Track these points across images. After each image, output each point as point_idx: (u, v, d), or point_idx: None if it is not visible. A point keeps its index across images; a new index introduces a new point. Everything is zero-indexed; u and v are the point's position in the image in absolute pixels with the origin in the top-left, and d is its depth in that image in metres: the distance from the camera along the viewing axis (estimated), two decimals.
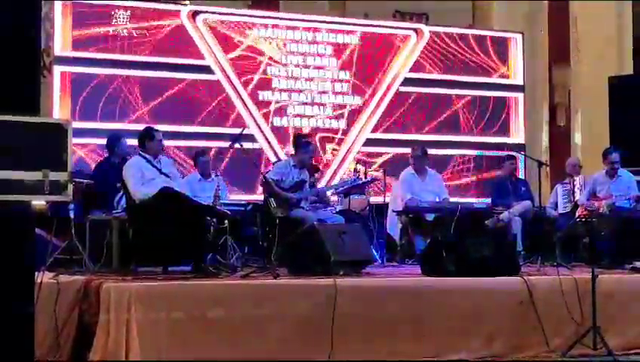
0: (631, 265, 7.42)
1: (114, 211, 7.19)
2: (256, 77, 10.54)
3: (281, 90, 10.66)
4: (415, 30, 11.43)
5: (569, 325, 6.11)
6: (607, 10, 12.65)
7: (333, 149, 10.79)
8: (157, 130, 7.26)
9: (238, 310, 5.41)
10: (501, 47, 11.80)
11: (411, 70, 11.28)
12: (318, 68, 10.86)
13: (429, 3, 12.18)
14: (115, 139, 8.16)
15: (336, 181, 10.25)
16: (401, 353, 5.68)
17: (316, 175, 9.22)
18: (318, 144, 10.31)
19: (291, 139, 9.29)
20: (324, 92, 10.86)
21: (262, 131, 10.49)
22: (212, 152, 9.62)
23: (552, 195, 9.70)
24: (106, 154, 8.40)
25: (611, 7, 12.71)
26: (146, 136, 7.09)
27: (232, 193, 9.26)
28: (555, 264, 6.99)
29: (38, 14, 4.12)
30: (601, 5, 12.55)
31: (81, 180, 7.53)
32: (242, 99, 10.45)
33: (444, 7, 12.16)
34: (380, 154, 10.96)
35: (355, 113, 10.99)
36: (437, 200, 8.84)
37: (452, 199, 9.40)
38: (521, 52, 11.88)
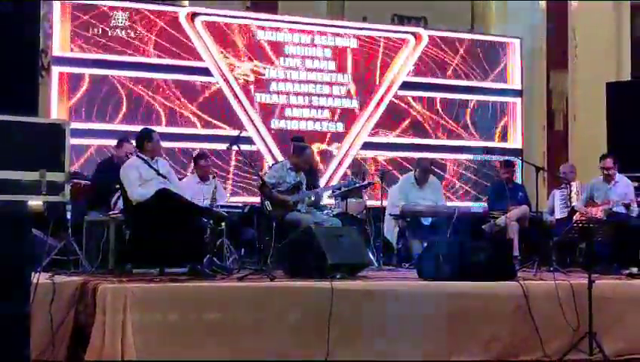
0: (627, 271, 7.42)
1: (111, 212, 7.17)
2: (255, 79, 10.54)
3: (279, 93, 10.66)
4: (413, 34, 11.44)
5: (565, 330, 6.10)
6: (605, 16, 12.66)
7: (328, 151, 10.82)
8: (154, 131, 7.24)
9: (234, 312, 5.40)
10: (499, 52, 11.83)
11: (409, 74, 11.30)
12: (317, 71, 10.87)
13: (428, 6, 12.19)
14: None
15: (333, 184, 10.26)
16: (397, 356, 5.67)
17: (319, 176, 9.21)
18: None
19: (290, 141, 9.27)
20: (322, 95, 10.86)
21: (260, 133, 10.49)
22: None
23: (549, 200, 9.70)
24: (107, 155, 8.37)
25: (610, 13, 12.73)
26: (145, 137, 7.06)
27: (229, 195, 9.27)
28: (552, 269, 6.99)
29: (37, 15, 4.12)
30: (600, 12, 12.57)
31: (79, 181, 7.51)
32: (240, 102, 10.45)
33: (442, 11, 12.18)
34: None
35: (352, 116, 11.00)
36: None
37: (449, 203, 9.40)
38: (519, 57, 11.91)
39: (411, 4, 12.19)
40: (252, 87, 10.52)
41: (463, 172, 11.53)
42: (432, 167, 9.20)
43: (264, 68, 10.60)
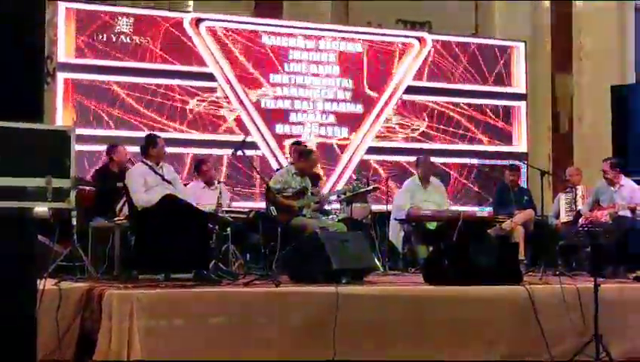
0: (633, 275, 7.40)
1: (116, 218, 7.18)
2: (259, 84, 10.55)
3: (283, 98, 10.67)
4: (418, 38, 11.44)
5: (571, 334, 6.09)
6: (610, 18, 12.65)
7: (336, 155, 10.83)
8: (159, 137, 7.26)
9: (239, 318, 5.40)
10: (503, 56, 11.82)
11: (414, 78, 11.29)
12: (321, 75, 10.87)
13: (431, 10, 12.20)
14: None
15: (338, 188, 10.26)
16: (403, 360, 5.67)
17: (319, 183, 9.21)
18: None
19: (291, 147, 9.28)
20: (326, 100, 10.87)
21: (264, 139, 10.50)
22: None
23: (555, 204, 9.68)
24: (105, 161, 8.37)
25: (614, 16, 12.71)
26: (150, 143, 7.09)
27: (234, 201, 9.26)
28: (558, 273, 6.98)
29: (42, 21, 4.12)
30: (604, 14, 12.55)
31: (84, 187, 7.52)
32: (245, 107, 10.46)
33: (446, 15, 12.19)
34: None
35: (357, 121, 10.99)
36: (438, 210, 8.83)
37: (454, 207, 9.39)
38: (523, 60, 11.89)
39: (415, 8, 12.19)
40: (256, 92, 10.52)
41: (468, 176, 11.51)
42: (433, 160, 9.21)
43: (269, 73, 10.60)
